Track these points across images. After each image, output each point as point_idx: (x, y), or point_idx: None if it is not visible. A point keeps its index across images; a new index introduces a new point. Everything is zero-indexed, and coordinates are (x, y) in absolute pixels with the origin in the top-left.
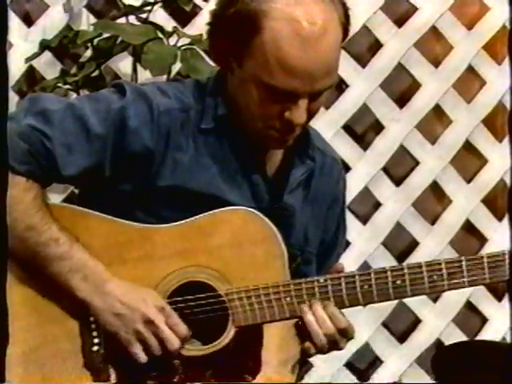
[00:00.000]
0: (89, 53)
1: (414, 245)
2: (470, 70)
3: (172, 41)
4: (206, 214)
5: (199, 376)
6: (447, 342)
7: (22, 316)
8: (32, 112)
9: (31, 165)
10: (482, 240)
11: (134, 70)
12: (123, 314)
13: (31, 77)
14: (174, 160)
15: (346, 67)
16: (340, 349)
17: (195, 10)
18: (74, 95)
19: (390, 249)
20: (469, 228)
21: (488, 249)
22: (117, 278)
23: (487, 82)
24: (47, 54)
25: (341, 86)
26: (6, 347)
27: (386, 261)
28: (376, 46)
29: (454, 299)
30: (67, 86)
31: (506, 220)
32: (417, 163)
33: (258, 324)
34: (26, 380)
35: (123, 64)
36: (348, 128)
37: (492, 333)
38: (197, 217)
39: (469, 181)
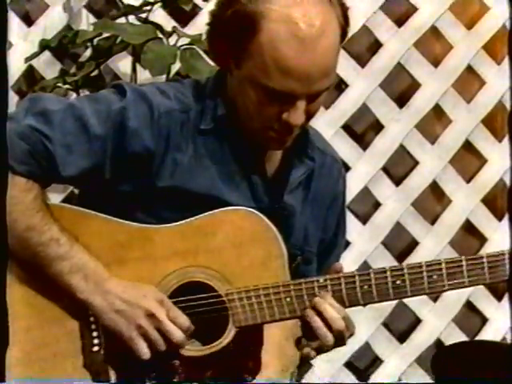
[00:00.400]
0: (88, 52)
1: (413, 245)
2: (470, 69)
3: (172, 41)
4: (205, 214)
5: (199, 376)
6: (447, 342)
7: (22, 316)
8: (32, 112)
9: (31, 165)
10: (482, 240)
11: (134, 69)
12: (124, 311)
13: (31, 76)
14: (173, 161)
15: (346, 67)
16: (344, 344)
17: (195, 10)
18: (73, 95)
19: (389, 249)
20: (468, 228)
21: (488, 249)
22: (117, 278)
23: (487, 82)
24: (47, 54)
25: (340, 86)
26: (6, 347)
27: (386, 261)
28: (376, 45)
29: (454, 299)
30: (67, 86)
31: (505, 220)
32: (416, 163)
33: (258, 324)
34: (26, 380)
35: (123, 64)
36: (348, 128)
37: (492, 333)
38: (197, 217)
39: (468, 181)
